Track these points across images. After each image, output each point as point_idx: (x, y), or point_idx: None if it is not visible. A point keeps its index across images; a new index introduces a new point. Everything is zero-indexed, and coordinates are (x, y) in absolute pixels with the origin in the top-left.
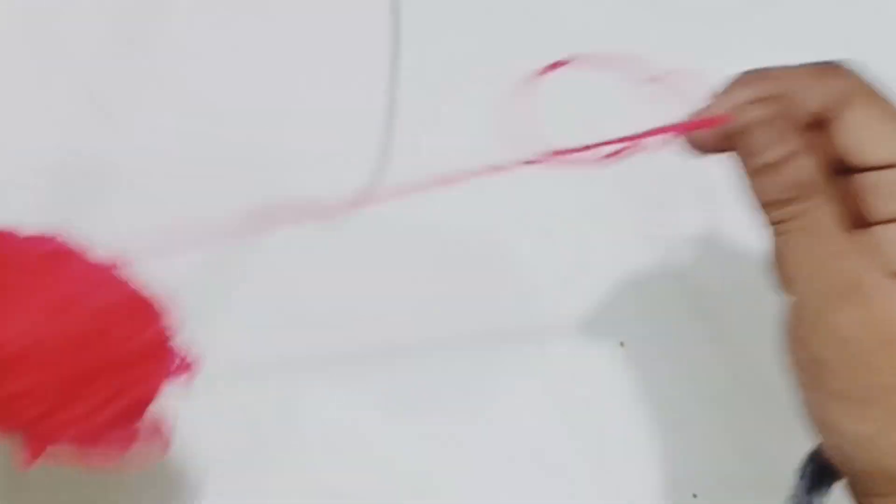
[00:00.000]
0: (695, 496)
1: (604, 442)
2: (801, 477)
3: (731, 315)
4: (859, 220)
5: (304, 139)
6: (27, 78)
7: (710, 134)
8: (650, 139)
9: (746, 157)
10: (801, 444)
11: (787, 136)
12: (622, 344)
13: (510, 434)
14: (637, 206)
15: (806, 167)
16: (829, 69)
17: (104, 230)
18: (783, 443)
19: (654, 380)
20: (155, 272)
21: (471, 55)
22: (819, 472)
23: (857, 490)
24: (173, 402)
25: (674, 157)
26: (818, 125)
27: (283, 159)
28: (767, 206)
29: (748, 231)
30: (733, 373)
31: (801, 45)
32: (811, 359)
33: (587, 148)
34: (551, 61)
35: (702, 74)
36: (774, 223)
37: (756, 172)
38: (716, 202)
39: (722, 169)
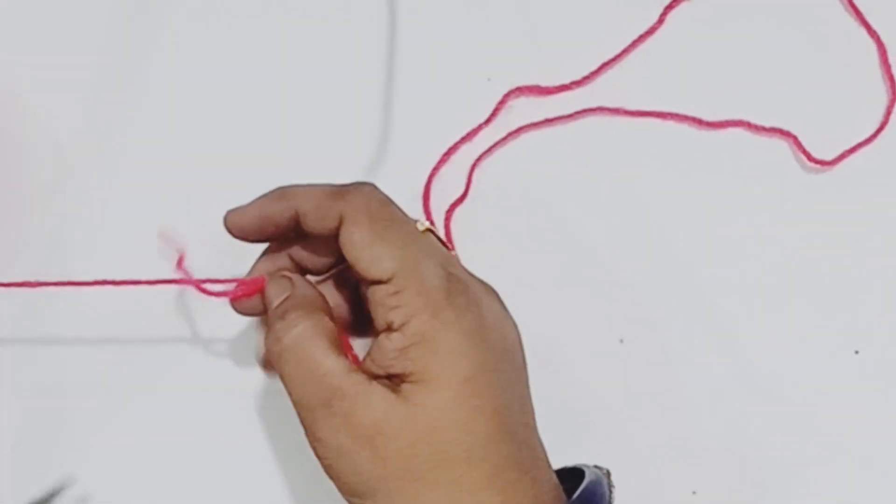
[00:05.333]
0: (694, 493)
1: (602, 438)
2: None
3: (731, 311)
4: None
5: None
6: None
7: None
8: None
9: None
10: (799, 442)
11: (285, 284)
12: (622, 341)
13: None
14: (636, 200)
15: (293, 301)
16: (340, 191)
17: (104, 224)
18: (782, 440)
19: (654, 376)
20: None
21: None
22: None
23: None
24: None
25: (676, 151)
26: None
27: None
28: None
29: (745, 226)
30: (732, 370)
31: None
32: (320, 460)
33: None
34: None
35: None
36: (268, 345)
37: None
38: (709, 197)
39: (713, 171)
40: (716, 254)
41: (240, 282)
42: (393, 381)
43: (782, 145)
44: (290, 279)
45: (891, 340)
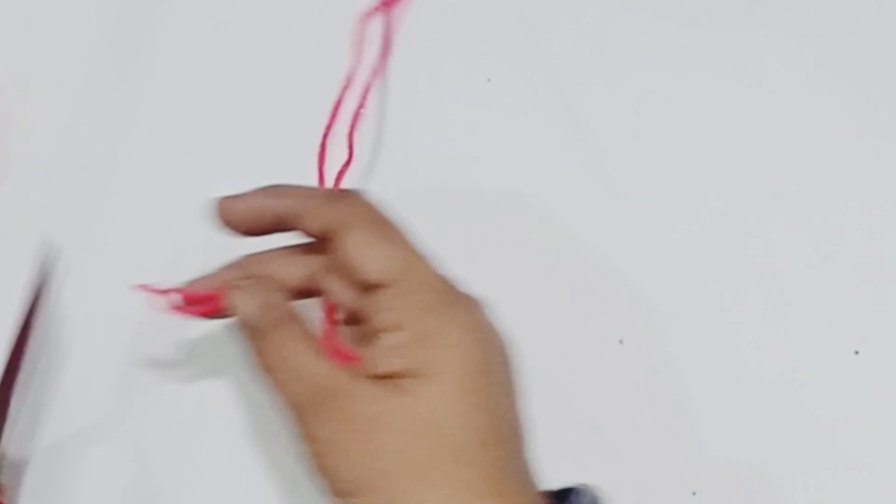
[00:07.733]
0: (694, 493)
1: (601, 438)
2: None
3: (730, 311)
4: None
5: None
6: None
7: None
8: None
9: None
10: (798, 442)
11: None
12: (621, 341)
13: None
14: (635, 197)
15: (270, 312)
16: (338, 195)
17: (107, 223)
18: (781, 441)
19: (653, 377)
20: None
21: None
22: None
23: None
24: None
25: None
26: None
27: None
28: (250, 337)
29: (743, 225)
30: (731, 370)
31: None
32: (312, 460)
33: None
34: None
35: None
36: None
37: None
38: (708, 195)
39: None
40: (715, 255)
41: (191, 293)
42: (393, 379)
43: None
44: (258, 288)
45: (891, 341)
